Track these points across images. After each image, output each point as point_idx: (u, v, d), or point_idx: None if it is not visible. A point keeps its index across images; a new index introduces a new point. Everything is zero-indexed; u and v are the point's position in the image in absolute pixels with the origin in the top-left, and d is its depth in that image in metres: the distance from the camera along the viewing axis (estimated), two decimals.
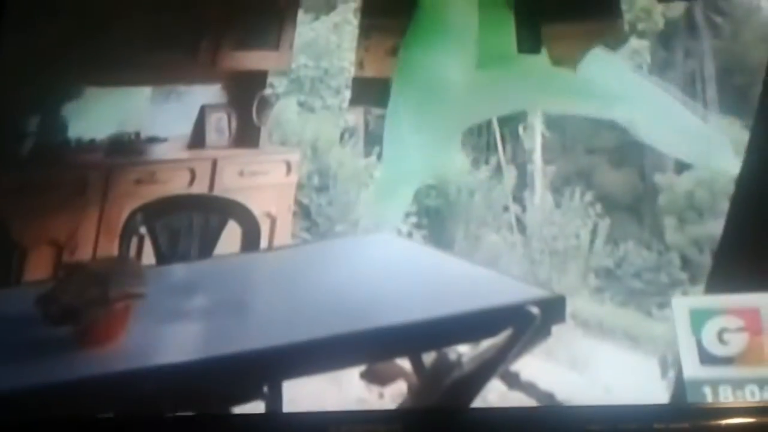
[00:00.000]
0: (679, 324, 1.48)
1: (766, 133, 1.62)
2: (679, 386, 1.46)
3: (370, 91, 1.91)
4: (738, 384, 1.43)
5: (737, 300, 1.47)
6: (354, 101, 1.96)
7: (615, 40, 1.85)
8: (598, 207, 1.85)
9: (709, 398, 1.43)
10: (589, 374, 1.65)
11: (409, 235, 1.87)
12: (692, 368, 1.45)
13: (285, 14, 2.01)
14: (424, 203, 1.91)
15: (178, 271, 1.74)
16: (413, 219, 1.90)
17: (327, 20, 2.07)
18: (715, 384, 1.43)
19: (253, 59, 2.02)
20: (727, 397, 1.43)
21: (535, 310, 1.49)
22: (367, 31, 1.93)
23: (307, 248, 1.85)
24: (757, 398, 1.42)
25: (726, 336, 1.45)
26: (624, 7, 1.87)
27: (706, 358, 1.45)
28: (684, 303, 1.50)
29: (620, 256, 1.79)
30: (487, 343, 1.48)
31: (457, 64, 1.83)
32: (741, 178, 1.63)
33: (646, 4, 1.89)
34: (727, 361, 1.44)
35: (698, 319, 1.47)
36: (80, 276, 1.43)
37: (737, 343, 1.45)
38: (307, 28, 2.07)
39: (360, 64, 1.92)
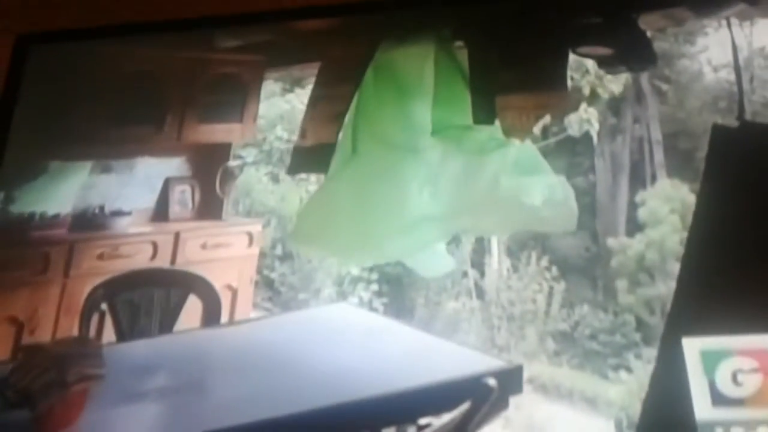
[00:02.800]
0: (690, 365, 1.43)
1: (712, 188, 1.62)
2: (691, 428, 1.40)
3: (310, 159, 1.88)
4: (750, 426, 1.38)
5: (750, 341, 1.43)
6: (291, 170, 1.92)
7: (562, 111, 1.86)
8: (554, 271, 1.84)
9: None
10: None
11: (370, 302, 1.84)
12: (704, 410, 1.40)
13: (248, 87, 2.00)
14: (385, 270, 1.89)
15: (138, 349, 1.69)
16: (374, 287, 1.87)
17: (302, 93, 2.06)
18: (727, 426, 1.38)
19: (217, 132, 2.00)
20: None
21: (492, 382, 1.46)
22: (314, 101, 1.92)
23: (265, 323, 1.81)
24: None
25: (740, 377, 1.41)
26: (576, 76, 1.89)
27: (718, 399, 1.40)
28: (694, 344, 1.44)
29: (575, 320, 1.78)
30: (445, 418, 1.45)
31: (412, 129, 1.82)
32: (691, 235, 1.62)
33: (596, 75, 1.91)
34: (739, 402, 1.39)
35: (711, 360, 1.43)
36: (38, 359, 1.38)
37: (751, 384, 1.40)
38: (281, 100, 2.06)
39: (303, 134, 1.90)
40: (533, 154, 1.81)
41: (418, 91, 1.84)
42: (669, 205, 1.79)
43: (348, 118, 1.85)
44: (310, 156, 1.87)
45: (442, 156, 1.79)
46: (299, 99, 2.06)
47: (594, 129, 1.93)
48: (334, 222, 1.81)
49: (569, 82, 1.87)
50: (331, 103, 1.88)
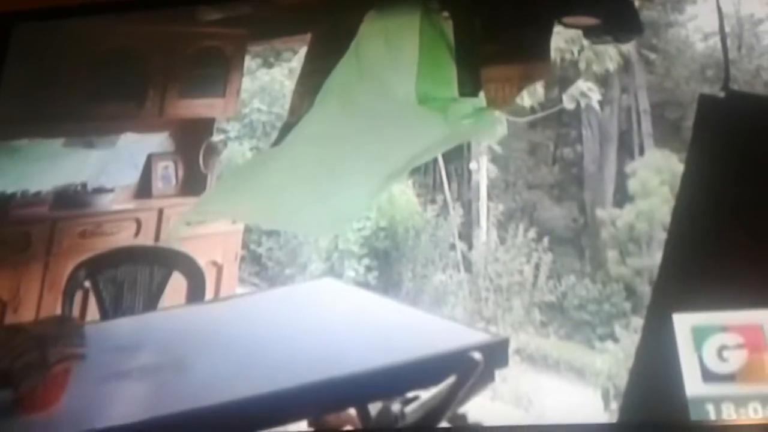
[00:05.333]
0: (681, 341, 1.43)
1: (699, 158, 1.59)
2: (682, 403, 1.39)
3: None
4: (741, 401, 1.38)
5: (739, 317, 1.42)
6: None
7: (547, 81, 1.83)
8: (542, 242, 1.82)
9: (712, 416, 1.38)
10: (534, 410, 1.61)
11: (364, 275, 1.82)
12: (694, 386, 1.40)
13: (231, 62, 1.96)
14: (374, 245, 1.86)
15: (122, 326, 1.67)
16: (366, 261, 1.85)
17: (284, 66, 2.02)
18: (717, 401, 1.38)
19: (199, 107, 1.96)
20: (730, 414, 1.38)
21: (477, 356, 1.45)
22: (303, 77, 1.89)
23: (249, 299, 1.78)
24: (760, 415, 1.37)
25: (725, 353, 1.41)
26: (575, 49, 1.86)
27: (708, 375, 1.40)
28: (686, 320, 1.44)
29: (563, 291, 1.76)
30: (430, 391, 1.43)
31: (395, 100, 1.79)
32: (678, 205, 1.60)
33: (594, 52, 1.88)
34: (729, 378, 1.39)
35: (699, 336, 1.42)
36: (18, 340, 1.36)
37: (736, 360, 1.41)
38: (262, 72, 2.02)
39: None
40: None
41: (403, 62, 1.79)
42: (659, 177, 1.76)
43: (326, 85, 1.81)
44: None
45: (427, 124, 1.76)
46: (280, 71, 2.02)
47: (593, 102, 1.90)
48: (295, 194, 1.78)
49: (566, 56, 1.85)
50: (317, 78, 1.84)
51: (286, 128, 1.86)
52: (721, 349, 1.41)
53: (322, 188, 1.77)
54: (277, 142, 1.87)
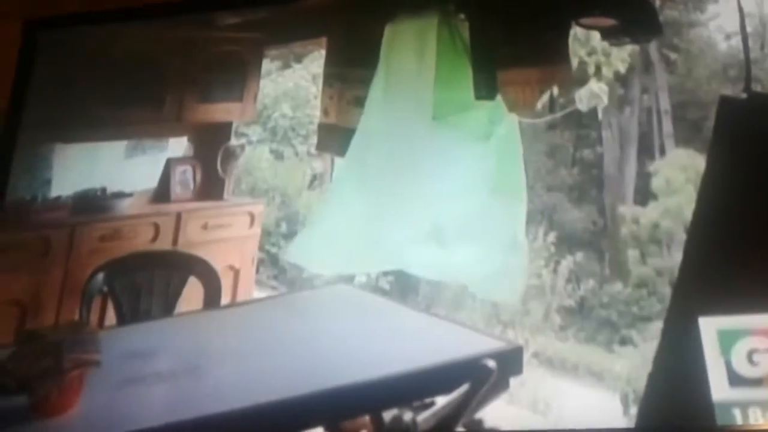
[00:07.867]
0: (707, 345, 1.39)
1: (720, 160, 1.54)
2: (708, 408, 1.35)
3: (334, 138, 1.86)
4: None
5: (766, 320, 1.38)
6: (320, 147, 1.90)
7: (567, 84, 1.78)
8: (561, 245, 1.78)
9: (739, 420, 1.34)
10: (551, 415, 1.57)
11: (377, 281, 1.79)
12: (721, 390, 1.36)
13: (248, 65, 1.94)
14: None
15: (138, 332, 1.66)
16: None
17: (303, 69, 2.01)
18: (744, 406, 1.34)
19: (217, 111, 1.95)
20: (757, 419, 1.34)
21: (491, 363, 1.41)
22: (330, 79, 1.87)
23: (264, 305, 1.77)
24: None
25: (756, 357, 1.37)
26: (585, 50, 1.82)
27: (736, 379, 1.36)
28: (711, 323, 1.40)
29: (581, 295, 1.72)
30: (444, 399, 1.40)
31: (415, 116, 1.76)
32: (698, 208, 1.55)
33: (606, 48, 1.83)
34: (757, 382, 1.35)
35: (727, 339, 1.38)
36: (34, 345, 1.36)
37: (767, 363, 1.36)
38: (284, 77, 2.00)
39: (325, 112, 1.87)
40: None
41: (423, 67, 1.77)
42: (684, 174, 1.71)
43: (366, 107, 1.80)
44: (334, 137, 1.84)
45: (446, 144, 1.73)
46: (300, 75, 2.01)
47: (603, 104, 1.85)
48: (345, 234, 1.76)
49: (576, 59, 1.80)
50: (346, 84, 1.84)
51: (324, 129, 1.86)
52: (752, 352, 1.37)
53: (373, 236, 1.74)
54: (320, 143, 1.88)
